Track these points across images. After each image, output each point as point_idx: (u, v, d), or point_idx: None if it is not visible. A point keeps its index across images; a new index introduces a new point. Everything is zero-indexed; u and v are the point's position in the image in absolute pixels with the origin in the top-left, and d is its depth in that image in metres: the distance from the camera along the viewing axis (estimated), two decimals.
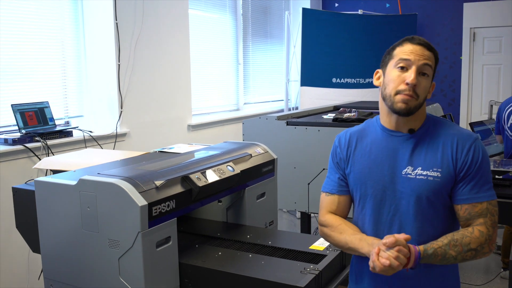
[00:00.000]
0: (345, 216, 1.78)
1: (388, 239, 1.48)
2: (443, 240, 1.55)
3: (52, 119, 3.48)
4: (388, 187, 1.64)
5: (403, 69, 1.60)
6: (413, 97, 1.58)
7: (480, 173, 1.59)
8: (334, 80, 6.42)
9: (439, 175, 1.59)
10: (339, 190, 1.76)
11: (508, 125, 4.00)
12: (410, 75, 1.57)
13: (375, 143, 1.70)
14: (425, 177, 1.60)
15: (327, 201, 1.78)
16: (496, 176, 3.37)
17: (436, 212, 1.62)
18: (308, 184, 3.25)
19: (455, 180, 1.60)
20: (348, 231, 1.67)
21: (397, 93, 1.60)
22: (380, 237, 1.61)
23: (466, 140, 1.62)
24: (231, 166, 2.13)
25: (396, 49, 1.64)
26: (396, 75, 1.60)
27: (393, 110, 1.62)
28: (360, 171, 1.70)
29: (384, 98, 1.65)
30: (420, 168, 1.61)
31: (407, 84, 1.57)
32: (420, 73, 1.59)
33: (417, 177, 1.60)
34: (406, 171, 1.62)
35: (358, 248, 1.61)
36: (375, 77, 1.72)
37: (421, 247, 1.52)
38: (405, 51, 1.61)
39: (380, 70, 1.70)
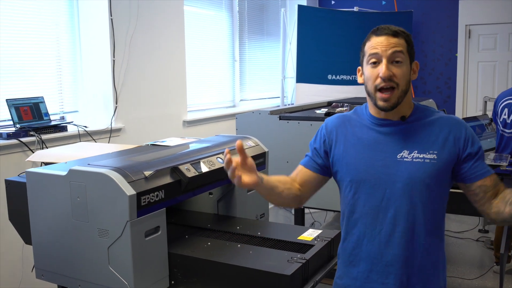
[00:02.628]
0: (301, 186, 1.81)
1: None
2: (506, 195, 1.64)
3: (47, 114, 3.50)
4: (382, 171, 1.65)
5: (375, 64, 1.62)
6: (393, 89, 1.60)
7: (483, 152, 1.69)
8: (329, 77, 6.45)
9: (436, 157, 1.62)
10: (306, 164, 1.82)
11: (501, 119, 4.03)
12: (381, 69, 1.59)
13: (367, 129, 1.72)
14: (422, 160, 1.62)
15: (296, 170, 1.85)
16: None
17: (431, 194, 1.64)
18: None
19: (458, 160, 1.64)
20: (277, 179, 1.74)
21: (376, 89, 1.62)
22: (375, 221, 1.67)
23: (459, 123, 1.69)
24: (221, 158, 2.15)
25: (366, 45, 1.67)
26: (370, 72, 1.64)
27: (377, 107, 1.66)
28: (352, 156, 1.71)
29: (368, 95, 1.69)
30: (416, 151, 1.63)
31: (381, 78, 1.60)
32: (392, 62, 1.60)
33: (414, 160, 1.62)
34: (402, 155, 1.64)
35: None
36: (358, 75, 1.75)
37: None
38: (372, 45, 1.63)
39: (360, 68, 1.73)
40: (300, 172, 1.82)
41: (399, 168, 1.64)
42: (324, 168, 1.80)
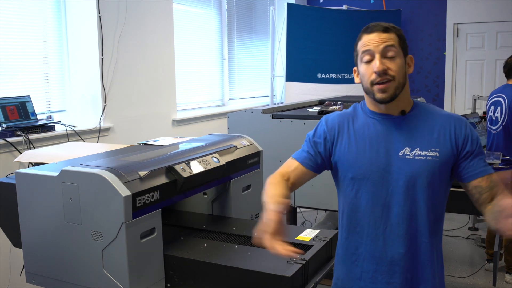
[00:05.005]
0: (295, 184, 1.77)
1: None
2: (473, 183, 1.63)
3: (34, 113, 3.43)
4: (385, 168, 1.64)
5: (369, 61, 1.62)
6: (389, 81, 1.59)
7: (482, 150, 1.66)
8: (319, 75, 6.43)
9: (438, 155, 1.61)
10: (304, 161, 1.76)
11: (488, 117, 4.05)
12: (375, 64, 1.59)
13: (367, 126, 1.70)
14: (424, 157, 1.61)
15: (288, 162, 1.81)
16: None
17: (433, 192, 1.63)
18: None
19: (457, 157, 1.63)
20: (273, 189, 1.65)
21: (373, 84, 1.62)
22: (379, 219, 1.65)
23: (460, 120, 1.66)
24: (216, 158, 2.11)
25: (358, 44, 1.67)
26: (365, 69, 1.63)
27: (377, 101, 1.64)
28: (354, 153, 1.68)
29: (366, 93, 1.68)
30: (418, 148, 1.62)
31: (376, 73, 1.59)
32: (385, 57, 1.60)
33: (416, 157, 1.61)
34: (404, 152, 1.63)
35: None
36: (354, 75, 1.74)
37: None
38: (364, 43, 1.64)
39: (356, 68, 1.72)
40: (296, 170, 1.77)
41: (401, 166, 1.62)
42: (321, 167, 1.77)
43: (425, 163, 1.61)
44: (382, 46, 1.60)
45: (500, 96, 4.00)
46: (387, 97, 1.61)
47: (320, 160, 1.75)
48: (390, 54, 1.60)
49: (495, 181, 1.62)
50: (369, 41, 1.62)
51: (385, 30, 1.62)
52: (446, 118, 1.66)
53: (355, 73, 1.73)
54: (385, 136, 1.66)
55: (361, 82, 1.68)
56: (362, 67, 1.65)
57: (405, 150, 1.63)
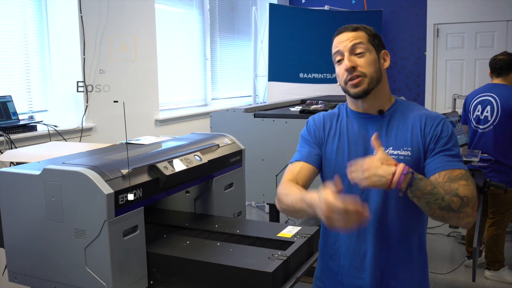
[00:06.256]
0: (305, 186, 1.71)
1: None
2: (431, 178, 1.54)
3: (15, 113, 3.41)
4: None
5: (340, 61, 1.67)
6: (359, 77, 1.63)
7: (451, 147, 1.60)
8: (301, 75, 6.47)
9: (409, 154, 1.62)
10: (307, 158, 1.75)
11: (474, 116, 4.10)
12: (344, 62, 1.64)
13: (349, 125, 1.73)
14: (396, 157, 1.62)
15: (290, 168, 1.77)
16: None
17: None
18: (276, 176, 3.27)
19: (425, 155, 1.62)
20: (294, 192, 1.60)
21: (346, 82, 1.66)
22: None
23: (435, 118, 1.65)
24: (198, 156, 2.12)
25: (332, 48, 1.72)
26: (338, 70, 1.69)
27: (353, 97, 1.68)
28: (335, 152, 1.72)
29: (344, 92, 1.72)
30: (391, 148, 1.64)
31: (346, 70, 1.63)
32: (354, 54, 1.64)
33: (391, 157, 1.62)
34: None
35: (300, 209, 1.54)
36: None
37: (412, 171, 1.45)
38: (334, 45, 1.69)
39: None
40: (301, 171, 1.74)
41: None
42: (320, 162, 1.78)
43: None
44: (350, 45, 1.64)
45: (489, 95, 4.02)
46: (360, 91, 1.64)
47: (319, 155, 1.77)
48: (358, 51, 1.64)
49: (456, 177, 1.53)
50: (338, 42, 1.67)
51: (354, 29, 1.67)
52: (419, 117, 1.66)
53: (338, 77, 1.76)
54: (364, 135, 1.69)
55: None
56: (336, 68, 1.70)
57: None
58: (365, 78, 1.63)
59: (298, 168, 1.75)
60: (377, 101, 1.68)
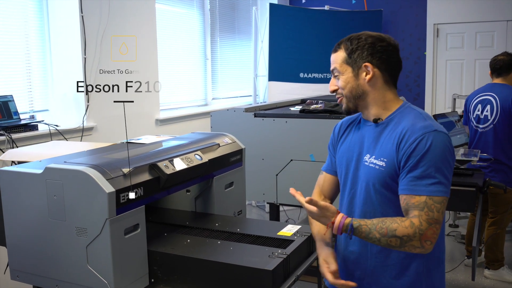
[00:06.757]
0: (330, 196, 1.93)
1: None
2: (374, 220, 1.60)
3: (16, 113, 3.42)
4: (352, 172, 1.76)
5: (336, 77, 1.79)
6: (340, 97, 1.76)
7: (422, 166, 1.54)
8: (301, 75, 6.48)
9: (384, 165, 1.64)
10: (328, 168, 1.92)
11: (474, 115, 4.11)
12: None
13: (355, 131, 1.81)
14: (374, 166, 1.67)
15: (318, 179, 1.97)
16: (460, 167, 3.46)
17: (384, 200, 1.67)
18: (277, 175, 3.28)
19: (399, 171, 1.60)
20: (314, 225, 1.83)
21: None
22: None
23: (415, 132, 1.58)
24: (199, 155, 2.14)
25: None
26: None
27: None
28: (340, 156, 1.83)
29: None
30: (373, 156, 1.68)
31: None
32: (334, 76, 1.76)
33: (370, 165, 1.69)
34: (365, 158, 1.71)
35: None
36: None
37: (352, 219, 1.62)
38: None
39: None
40: (325, 183, 1.93)
41: (363, 171, 1.71)
42: None
43: (373, 171, 1.67)
44: (331, 69, 1.77)
45: (489, 94, 4.03)
46: (344, 109, 1.77)
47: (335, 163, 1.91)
48: (335, 74, 1.75)
49: (412, 206, 1.55)
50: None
51: (335, 50, 1.77)
52: (402, 129, 1.62)
53: None
54: (360, 142, 1.76)
55: None
56: None
57: (366, 156, 1.71)
58: (343, 98, 1.75)
59: (322, 180, 1.95)
60: (370, 111, 1.73)
